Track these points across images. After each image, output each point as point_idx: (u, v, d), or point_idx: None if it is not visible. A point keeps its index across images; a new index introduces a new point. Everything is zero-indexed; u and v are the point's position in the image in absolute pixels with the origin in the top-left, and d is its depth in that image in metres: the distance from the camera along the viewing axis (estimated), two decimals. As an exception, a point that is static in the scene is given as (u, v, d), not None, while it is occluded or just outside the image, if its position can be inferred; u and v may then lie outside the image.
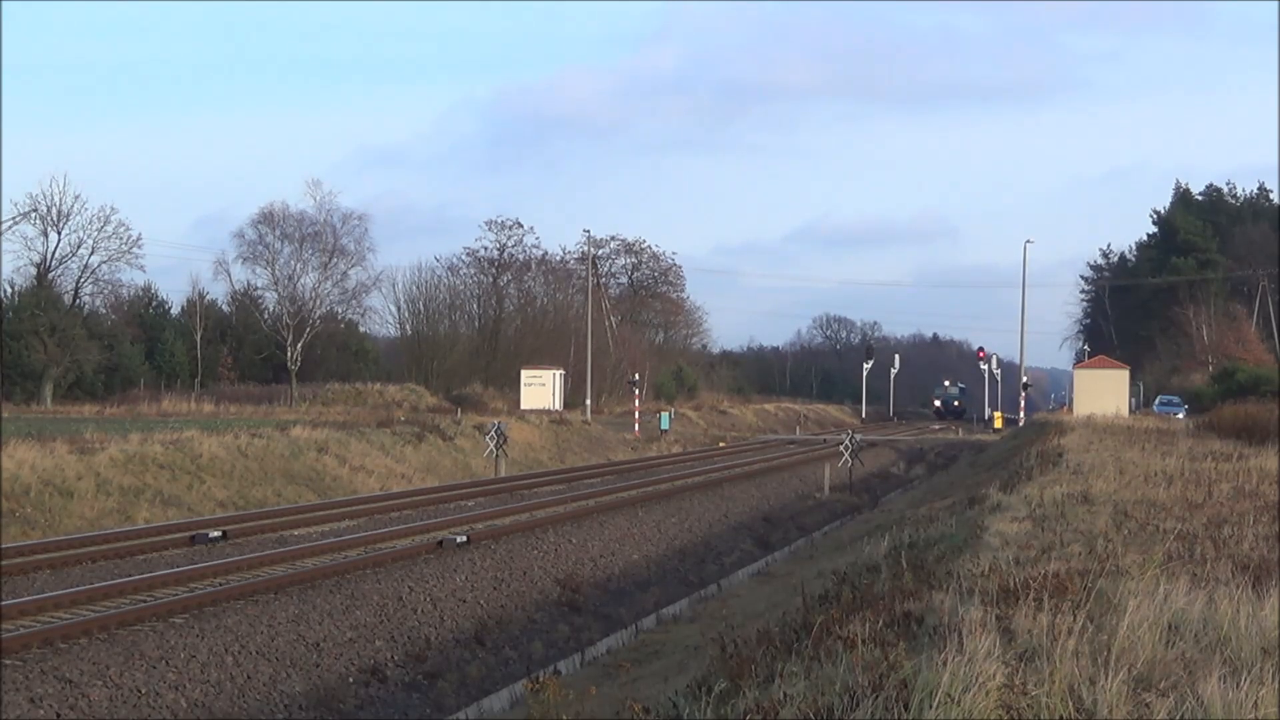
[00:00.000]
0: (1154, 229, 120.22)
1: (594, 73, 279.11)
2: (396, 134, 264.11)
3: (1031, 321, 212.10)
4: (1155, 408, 73.18)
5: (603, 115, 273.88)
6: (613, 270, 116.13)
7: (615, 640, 20.71)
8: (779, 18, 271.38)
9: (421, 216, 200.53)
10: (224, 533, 24.40)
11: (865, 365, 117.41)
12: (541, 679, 12.01)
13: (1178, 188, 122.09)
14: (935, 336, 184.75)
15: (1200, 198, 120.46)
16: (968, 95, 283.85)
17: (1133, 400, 72.59)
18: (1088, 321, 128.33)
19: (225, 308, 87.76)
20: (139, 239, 75.75)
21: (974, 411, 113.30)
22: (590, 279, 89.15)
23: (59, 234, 74.07)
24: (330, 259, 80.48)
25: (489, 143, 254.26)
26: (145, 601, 17.52)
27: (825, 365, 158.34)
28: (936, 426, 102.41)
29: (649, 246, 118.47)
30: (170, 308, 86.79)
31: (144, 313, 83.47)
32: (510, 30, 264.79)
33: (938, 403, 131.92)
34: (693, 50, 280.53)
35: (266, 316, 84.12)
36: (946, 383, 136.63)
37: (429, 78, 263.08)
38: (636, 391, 77.27)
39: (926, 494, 37.08)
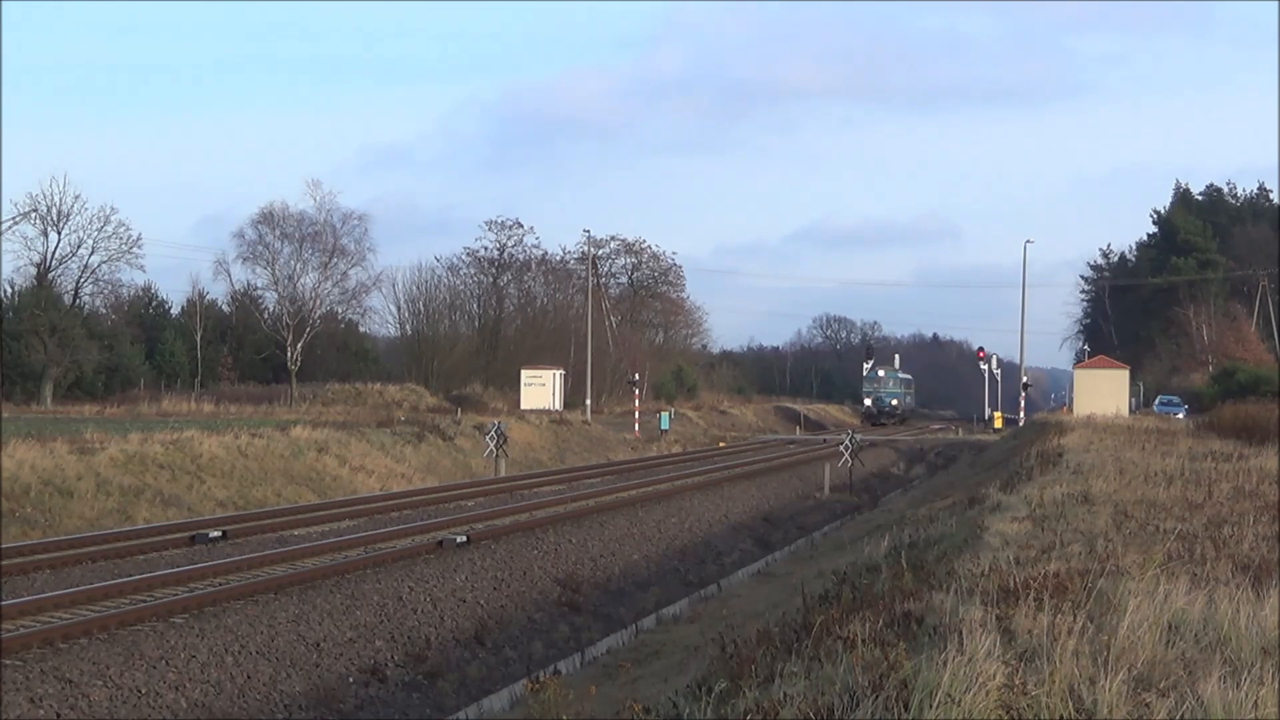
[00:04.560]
0: (1154, 229, 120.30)
1: (598, 73, 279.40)
2: (400, 134, 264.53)
3: (1032, 321, 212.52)
4: (1155, 408, 73.16)
5: (606, 116, 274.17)
6: (613, 270, 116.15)
7: (615, 640, 20.70)
8: (783, 18, 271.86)
9: (425, 216, 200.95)
10: (224, 533, 24.40)
11: (865, 365, 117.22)
12: (542, 679, 12.02)
13: (1178, 188, 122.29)
14: (935, 336, 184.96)
15: (1200, 198, 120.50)
16: (972, 96, 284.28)
17: (1133, 400, 72.57)
18: (1088, 321, 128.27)
19: (225, 308, 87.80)
20: (139, 239, 75.85)
21: (968, 411, 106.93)
22: (590, 279, 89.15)
23: (59, 234, 74.15)
24: (330, 259, 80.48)
25: (493, 143, 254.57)
26: (145, 601, 17.51)
27: (825, 365, 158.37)
28: (936, 426, 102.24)
29: (649, 246, 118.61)
30: (170, 308, 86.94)
31: (144, 313, 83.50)
32: (514, 31, 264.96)
33: (868, 401, 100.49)
34: (696, 51, 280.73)
35: (266, 316, 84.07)
36: (881, 372, 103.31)
37: (433, 78, 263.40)
38: (636, 391, 77.28)
39: (926, 494, 37.08)
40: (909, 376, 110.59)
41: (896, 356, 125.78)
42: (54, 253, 74.25)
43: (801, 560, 27.28)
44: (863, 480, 46.62)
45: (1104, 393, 62.14)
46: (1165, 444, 35.21)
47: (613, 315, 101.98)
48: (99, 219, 74.31)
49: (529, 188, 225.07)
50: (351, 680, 17.04)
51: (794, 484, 44.04)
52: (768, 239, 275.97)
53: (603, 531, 28.46)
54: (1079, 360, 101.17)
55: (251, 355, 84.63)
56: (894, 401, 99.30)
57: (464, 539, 24.08)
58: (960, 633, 8.96)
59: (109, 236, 74.76)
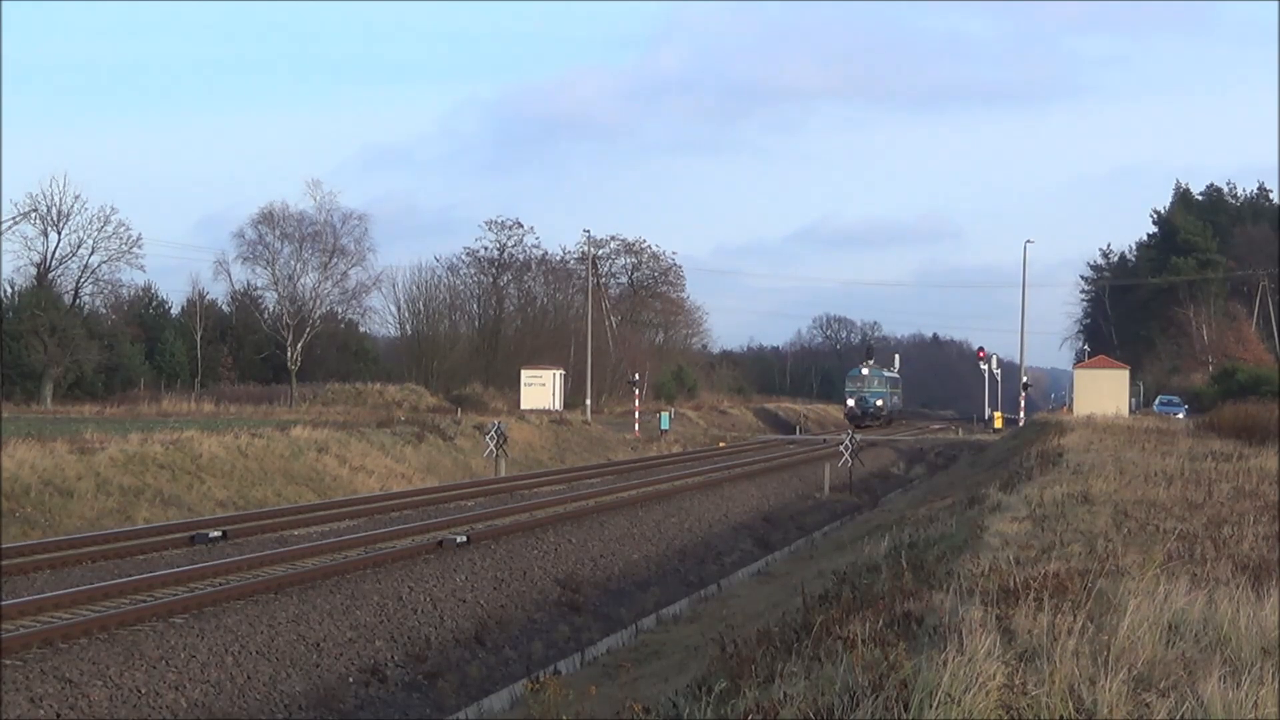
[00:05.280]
0: (1154, 229, 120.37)
1: (599, 73, 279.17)
2: (401, 134, 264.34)
3: (1032, 321, 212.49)
4: (1155, 408, 73.19)
5: (607, 116, 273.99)
6: (613, 270, 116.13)
7: (615, 640, 20.71)
8: (784, 19, 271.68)
9: (426, 217, 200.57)
10: (224, 533, 24.39)
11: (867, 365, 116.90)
12: (542, 679, 12.02)
13: (1178, 188, 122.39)
14: (935, 336, 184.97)
15: (1200, 198, 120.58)
16: (972, 97, 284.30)
17: (1133, 400, 72.60)
18: (1088, 321, 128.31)
19: (225, 308, 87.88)
20: (139, 239, 76.04)
21: (968, 411, 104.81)
22: (590, 279, 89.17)
23: (59, 234, 74.29)
24: (330, 259, 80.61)
25: (494, 143, 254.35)
26: (145, 601, 17.50)
27: (825, 365, 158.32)
28: (937, 426, 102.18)
29: (649, 246, 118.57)
30: (170, 308, 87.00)
31: (144, 313, 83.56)
32: (515, 31, 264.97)
33: (850, 401, 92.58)
34: (697, 51, 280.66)
35: (266, 316, 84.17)
36: (864, 370, 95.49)
37: (433, 78, 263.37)
38: (636, 391, 77.29)
39: (926, 494, 37.08)
40: (896, 375, 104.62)
41: (896, 356, 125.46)
42: (54, 253, 74.46)
43: (801, 560, 27.29)
44: (863, 480, 46.61)
45: (1104, 393, 62.17)
46: (1165, 444, 35.22)
47: (613, 315, 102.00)
48: (99, 219, 74.53)
49: (529, 188, 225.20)
50: (351, 680, 17.04)
51: (794, 484, 44.03)
52: (768, 239, 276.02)
53: (603, 531, 28.46)
54: (1079, 360, 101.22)
55: (251, 355, 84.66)
56: (879, 402, 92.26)
57: (464, 539, 24.08)
58: (960, 633, 8.96)
59: (109, 236, 74.98)
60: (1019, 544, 14.98)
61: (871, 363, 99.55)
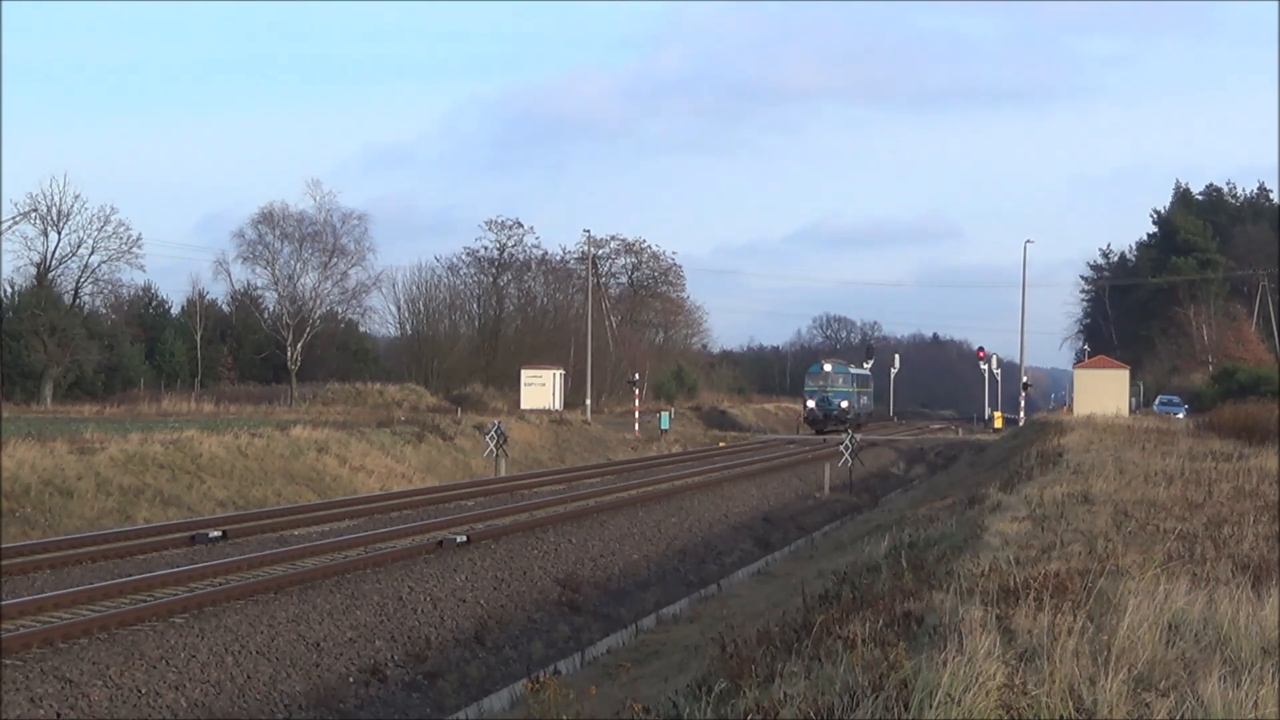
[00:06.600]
0: (1154, 229, 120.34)
1: (600, 73, 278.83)
2: (402, 133, 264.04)
3: (1032, 321, 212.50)
4: (1155, 408, 73.18)
5: (608, 116, 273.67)
6: (613, 270, 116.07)
7: (615, 640, 20.71)
8: (785, 19, 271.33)
9: (427, 216, 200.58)
10: (224, 533, 24.41)
11: (865, 365, 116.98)
12: (542, 679, 12.01)
13: (1178, 188, 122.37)
14: (935, 336, 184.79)
15: (1200, 198, 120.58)
16: (973, 97, 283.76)
17: (1133, 400, 72.59)
18: (1088, 321, 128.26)
19: (225, 308, 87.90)
20: (139, 239, 75.89)
21: (968, 411, 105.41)
22: (590, 279, 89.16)
23: (59, 234, 74.15)
24: (330, 259, 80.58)
25: (494, 143, 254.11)
26: (145, 601, 17.52)
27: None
28: (936, 426, 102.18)
29: (649, 246, 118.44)
30: (170, 308, 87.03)
31: (144, 313, 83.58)
32: (516, 30, 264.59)
33: (811, 403, 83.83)
34: (698, 51, 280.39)
35: (266, 316, 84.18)
36: (827, 367, 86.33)
37: (434, 77, 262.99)
38: (636, 391, 77.28)
39: (926, 494, 37.08)
40: (866, 373, 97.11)
41: (896, 356, 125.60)
42: (54, 253, 74.32)
43: (801, 560, 27.29)
44: (863, 480, 46.61)
45: (1104, 393, 62.14)
46: (1165, 444, 35.21)
47: (613, 315, 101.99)
48: (99, 219, 74.39)
49: (530, 187, 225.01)
50: (351, 680, 17.04)
51: (794, 484, 44.03)
52: (768, 239, 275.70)
53: (603, 531, 28.47)
54: (1079, 360, 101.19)
55: (251, 355, 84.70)
56: (843, 403, 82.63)
57: (464, 539, 24.09)
58: (960, 633, 8.96)
59: (109, 236, 74.83)
60: (1019, 544, 14.99)
61: (836, 360, 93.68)
